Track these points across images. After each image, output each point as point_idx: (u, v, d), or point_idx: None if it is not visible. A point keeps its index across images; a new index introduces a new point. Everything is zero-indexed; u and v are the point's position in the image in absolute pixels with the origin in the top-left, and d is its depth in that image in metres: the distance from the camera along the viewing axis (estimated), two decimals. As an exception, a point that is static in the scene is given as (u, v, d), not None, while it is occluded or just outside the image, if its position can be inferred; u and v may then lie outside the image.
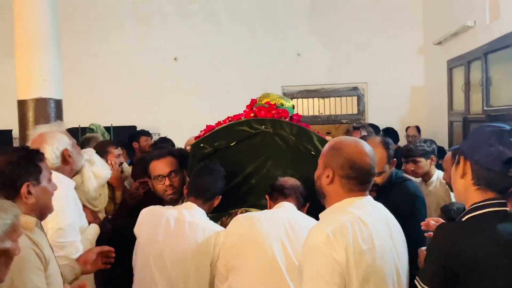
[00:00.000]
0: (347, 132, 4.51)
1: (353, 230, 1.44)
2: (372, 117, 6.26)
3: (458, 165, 1.44)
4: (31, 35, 3.45)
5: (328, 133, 7.66)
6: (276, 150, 2.50)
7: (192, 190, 2.34)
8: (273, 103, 2.68)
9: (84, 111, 5.91)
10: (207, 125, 2.69)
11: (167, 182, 2.48)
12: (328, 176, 1.57)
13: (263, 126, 2.49)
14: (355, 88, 6.45)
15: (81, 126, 5.63)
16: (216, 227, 2.23)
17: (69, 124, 5.49)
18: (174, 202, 2.46)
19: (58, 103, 3.62)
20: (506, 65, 3.99)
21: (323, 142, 2.38)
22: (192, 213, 2.25)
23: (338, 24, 6.30)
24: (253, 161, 2.54)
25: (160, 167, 2.51)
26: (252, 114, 2.61)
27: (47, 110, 3.51)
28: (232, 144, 2.52)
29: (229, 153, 2.53)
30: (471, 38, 4.57)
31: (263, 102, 2.71)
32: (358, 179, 1.54)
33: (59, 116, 3.59)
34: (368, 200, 1.58)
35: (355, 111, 6.50)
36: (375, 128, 5.29)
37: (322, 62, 6.36)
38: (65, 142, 2.31)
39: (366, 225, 1.48)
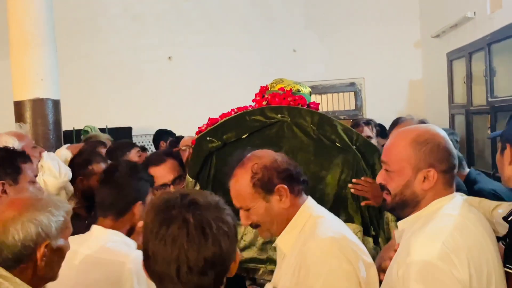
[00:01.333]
0: (357, 127, 4.31)
1: (466, 237, 1.23)
2: (370, 113, 6.21)
3: (504, 152, 1.38)
4: (27, 34, 3.34)
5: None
6: (296, 142, 2.21)
7: (97, 207, 1.81)
8: (288, 88, 2.33)
9: (78, 113, 5.77)
10: (209, 118, 2.41)
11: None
12: (425, 178, 1.33)
13: (279, 115, 2.18)
14: (352, 84, 6.40)
15: (75, 128, 5.50)
16: (122, 253, 1.65)
17: (63, 127, 5.42)
18: None
19: (56, 103, 3.51)
20: (509, 55, 3.95)
21: (349, 131, 2.14)
22: (94, 241, 1.69)
23: (334, 19, 6.24)
24: None
25: (162, 174, 2.20)
26: (264, 102, 2.30)
27: (45, 110, 3.40)
28: (244, 136, 2.23)
29: (241, 146, 2.14)
30: (472, 30, 4.54)
31: (276, 88, 2.37)
32: (454, 169, 1.36)
33: (57, 116, 3.47)
34: (457, 196, 1.38)
35: (353, 107, 6.45)
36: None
37: (319, 58, 6.30)
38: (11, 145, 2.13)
39: (470, 228, 1.27)
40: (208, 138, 2.25)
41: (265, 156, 1.59)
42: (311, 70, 6.30)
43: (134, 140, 6.06)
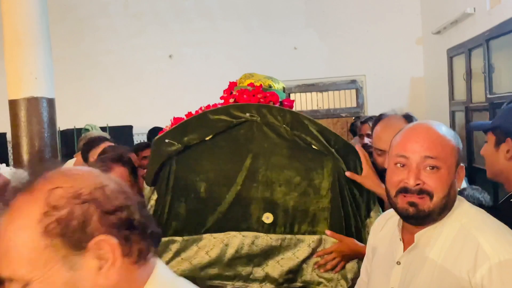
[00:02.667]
0: (352, 126, 4.14)
1: None
2: (371, 110, 6.16)
3: (500, 144, 1.37)
4: (20, 32, 3.35)
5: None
6: (267, 145, 1.96)
7: None
8: (258, 84, 2.09)
9: (78, 112, 5.81)
10: (174, 118, 2.18)
11: None
12: (459, 176, 1.21)
13: (247, 114, 1.94)
14: (354, 81, 6.36)
15: (76, 127, 5.53)
16: None
17: (64, 126, 5.45)
18: None
19: (51, 102, 3.52)
20: (508, 52, 3.90)
21: (325, 132, 1.90)
22: None
23: (335, 16, 6.21)
24: (237, 161, 1.99)
25: None
26: (232, 100, 2.07)
27: (40, 109, 3.41)
28: (207, 138, 1.99)
29: (204, 150, 2.01)
30: (471, 26, 4.49)
31: (245, 84, 2.13)
32: None
33: (52, 115, 3.49)
34: None
35: (354, 104, 6.41)
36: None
37: (319, 56, 6.26)
38: None
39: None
40: (167, 141, 1.99)
41: (80, 177, 0.80)
42: (312, 68, 6.27)
43: (135, 138, 6.09)
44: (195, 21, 6.28)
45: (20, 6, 3.33)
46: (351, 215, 1.91)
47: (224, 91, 2.16)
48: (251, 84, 2.09)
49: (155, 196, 2.04)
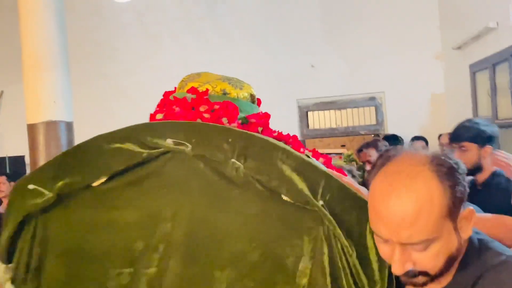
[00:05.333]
0: (360, 152, 3.83)
1: None
2: (391, 127, 6.06)
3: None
4: (39, 56, 3.34)
5: (343, 146, 7.48)
6: (201, 195, 1.21)
7: None
8: (203, 89, 1.37)
9: (96, 133, 5.79)
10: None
11: None
12: None
13: (169, 141, 1.20)
14: (373, 98, 6.26)
15: (94, 148, 5.52)
16: None
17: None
18: None
19: (69, 126, 3.49)
20: (535, 66, 3.79)
21: (307, 169, 1.15)
22: None
23: (352, 33, 6.15)
24: (146, 224, 1.23)
25: None
26: (159, 116, 1.35)
27: (58, 133, 3.38)
28: (95, 183, 1.24)
29: (91, 203, 1.26)
30: (495, 40, 4.38)
31: (185, 90, 1.41)
32: None
33: (70, 138, 3.46)
34: None
35: (374, 122, 6.30)
36: (395, 138, 5.10)
37: (337, 73, 6.19)
38: None
39: None
40: (31, 187, 1.25)
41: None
42: (330, 85, 6.20)
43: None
44: (212, 41, 6.27)
45: (39, 29, 3.32)
46: None
47: (161, 100, 1.47)
48: (193, 90, 1.36)
49: (8, 285, 1.27)
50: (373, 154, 3.42)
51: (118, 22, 6.37)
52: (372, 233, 1.04)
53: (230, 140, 1.18)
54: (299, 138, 6.07)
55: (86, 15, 6.29)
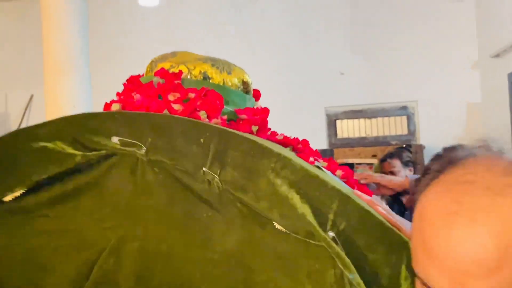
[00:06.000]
0: (383, 162, 3.57)
1: None
2: (424, 137, 5.82)
3: None
4: (60, 60, 3.32)
5: (374, 156, 7.23)
6: (158, 222, 0.88)
7: None
8: (175, 71, 1.05)
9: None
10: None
11: None
12: None
13: (115, 140, 0.88)
14: (404, 107, 6.03)
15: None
16: None
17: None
18: None
19: (89, 131, 3.45)
20: None
21: (310, 186, 0.81)
22: None
23: (383, 39, 5.95)
24: (78, 263, 0.89)
25: None
26: (116, 107, 1.02)
27: (77, 138, 3.35)
28: (10, 196, 0.90)
29: (4, 230, 0.91)
30: (536, 48, 4.13)
31: (154, 70, 1.10)
32: None
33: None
34: None
35: (405, 132, 6.07)
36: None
37: (367, 80, 6.00)
38: None
39: None
40: None
41: None
42: (359, 93, 6.01)
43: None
44: (236, 48, 6.17)
45: (61, 33, 3.31)
46: None
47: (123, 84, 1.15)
48: (162, 72, 1.01)
49: None
50: (397, 165, 3.23)
51: (141, 26, 6.36)
52: (410, 279, 0.70)
53: (202, 140, 0.82)
54: (327, 146, 5.94)
55: (109, 20, 6.31)
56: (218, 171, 0.82)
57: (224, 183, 0.83)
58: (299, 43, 6.12)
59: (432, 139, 5.45)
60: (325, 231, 0.78)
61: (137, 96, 0.96)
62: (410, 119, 6.03)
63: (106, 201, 0.90)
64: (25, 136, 0.90)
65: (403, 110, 6.04)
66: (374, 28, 5.99)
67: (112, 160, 0.89)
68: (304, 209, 0.78)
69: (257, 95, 1.21)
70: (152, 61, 1.14)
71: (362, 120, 6.19)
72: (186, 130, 0.84)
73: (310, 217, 0.78)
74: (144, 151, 0.85)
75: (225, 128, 0.87)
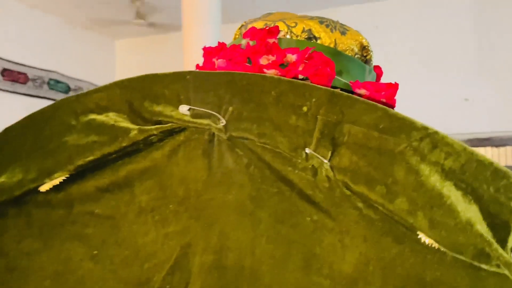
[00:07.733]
0: None
1: None
2: (562, 168, 5.33)
3: None
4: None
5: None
6: (241, 224, 0.58)
7: None
8: (272, 26, 0.70)
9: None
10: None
11: None
12: None
13: (184, 110, 0.60)
14: (536, 135, 5.60)
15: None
16: None
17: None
18: None
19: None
20: None
21: (484, 172, 0.47)
22: None
23: (510, 63, 5.63)
24: (135, 275, 0.62)
25: None
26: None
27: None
28: (48, 184, 0.63)
29: (32, 225, 0.66)
30: None
31: (245, 29, 0.75)
32: None
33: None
34: None
35: (538, 162, 5.61)
36: None
37: (493, 107, 5.67)
38: None
39: None
40: None
41: None
42: (485, 120, 5.68)
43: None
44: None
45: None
46: None
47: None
48: (252, 31, 0.70)
49: None
50: None
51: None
52: None
53: (305, 108, 0.55)
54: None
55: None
56: (329, 154, 0.54)
57: (338, 172, 0.54)
58: (422, 69, 5.92)
59: None
60: (506, 249, 0.48)
61: (219, 62, 0.70)
62: (543, 148, 5.58)
63: (169, 195, 0.63)
64: (69, 107, 0.66)
65: (536, 138, 5.61)
66: (500, 51, 5.69)
67: (178, 138, 0.63)
68: (471, 213, 0.49)
69: (379, 72, 0.86)
70: (242, 25, 0.80)
71: (488, 148, 5.81)
72: (282, 94, 0.56)
73: (481, 227, 0.48)
74: (223, 124, 0.59)
75: (339, 91, 0.56)
